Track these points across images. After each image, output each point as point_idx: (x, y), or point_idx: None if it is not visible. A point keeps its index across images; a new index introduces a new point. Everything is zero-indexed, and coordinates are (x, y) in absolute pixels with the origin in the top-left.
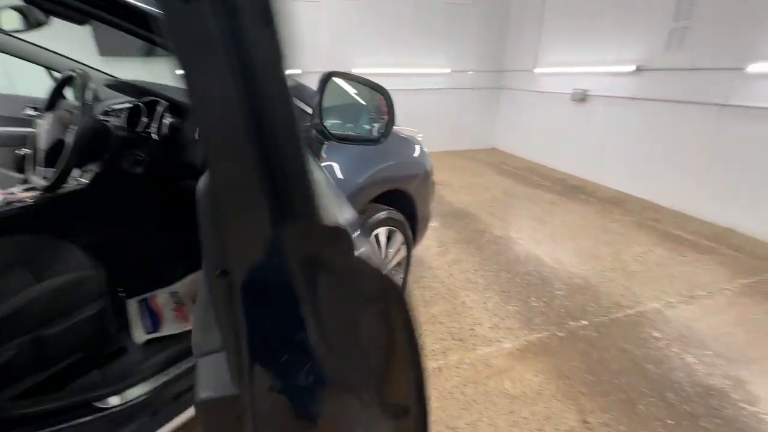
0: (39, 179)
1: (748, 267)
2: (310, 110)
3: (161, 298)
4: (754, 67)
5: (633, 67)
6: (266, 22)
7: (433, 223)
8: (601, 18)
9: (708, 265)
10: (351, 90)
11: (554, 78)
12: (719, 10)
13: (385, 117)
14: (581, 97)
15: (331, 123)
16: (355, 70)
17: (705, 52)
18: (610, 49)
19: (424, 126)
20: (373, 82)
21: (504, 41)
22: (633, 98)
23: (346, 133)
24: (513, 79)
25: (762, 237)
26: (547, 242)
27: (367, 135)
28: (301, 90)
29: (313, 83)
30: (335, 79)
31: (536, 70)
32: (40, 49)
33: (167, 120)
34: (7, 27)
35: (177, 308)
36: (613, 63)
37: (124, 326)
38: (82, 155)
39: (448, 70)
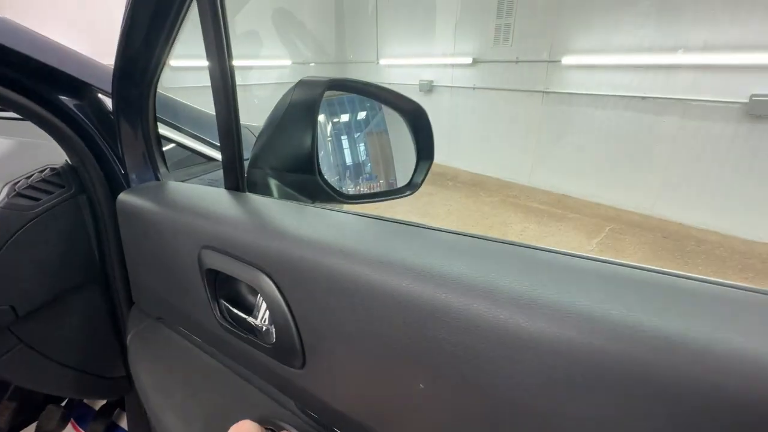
0: None
1: (592, 226)
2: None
3: None
4: (566, 60)
5: (470, 60)
6: None
7: None
8: (434, 11)
9: (568, 231)
10: (345, 109)
11: (401, 70)
12: (533, 8)
13: (417, 151)
14: (428, 88)
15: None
16: (173, 63)
17: (527, 46)
18: (448, 41)
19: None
20: (399, 95)
21: (343, 33)
22: (474, 88)
23: (356, 188)
24: (359, 71)
25: (589, 198)
26: None
27: (386, 186)
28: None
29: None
30: (330, 91)
31: (382, 62)
32: None
33: None
34: None
35: None
36: (452, 55)
37: None
38: None
39: (289, 62)
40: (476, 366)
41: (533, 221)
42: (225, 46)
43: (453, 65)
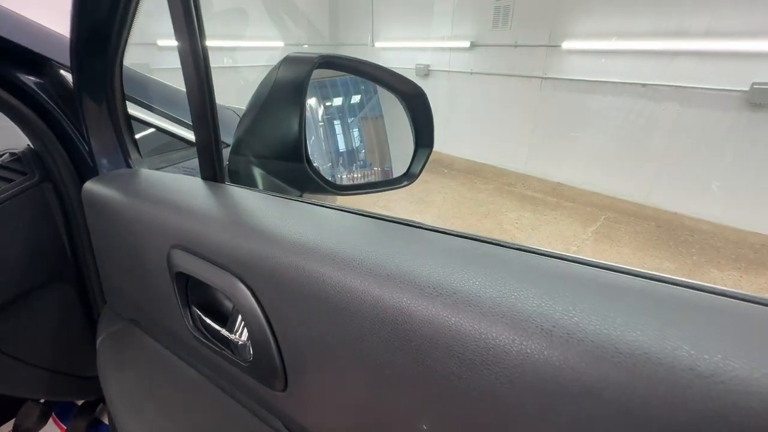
0: None
1: (587, 215)
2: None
3: None
4: (567, 44)
5: (467, 43)
6: None
7: None
8: None
9: (563, 219)
10: (337, 91)
11: (396, 53)
12: None
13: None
14: (425, 72)
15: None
16: (161, 42)
17: (526, 30)
18: (445, 24)
19: None
20: (398, 76)
21: (337, 14)
22: (471, 73)
23: (350, 176)
24: (353, 53)
25: (584, 187)
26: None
27: (381, 177)
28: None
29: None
30: (320, 69)
31: (377, 45)
32: None
33: None
34: None
35: None
36: (449, 38)
37: None
38: None
39: (281, 44)
40: (496, 412)
41: (528, 209)
42: (194, 12)
43: (450, 49)
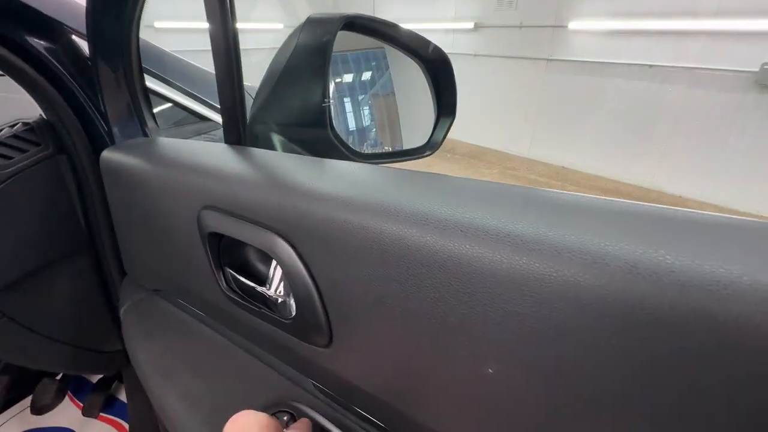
0: None
1: None
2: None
3: None
4: (573, 24)
5: (471, 25)
6: None
7: None
8: None
9: None
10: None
11: None
12: None
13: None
14: None
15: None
16: (158, 24)
17: (532, 10)
18: (449, 4)
19: None
20: (422, 39)
21: None
22: (474, 55)
23: (371, 144)
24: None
25: (588, 171)
26: None
27: (402, 147)
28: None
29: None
30: (342, 31)
31: None
32: None
33: None
34: None
35: None
36: (452, 19)
37: None
38: None
39: (281, 26)
40: (576, 349)
41: None
42: None
43: (454, 30)
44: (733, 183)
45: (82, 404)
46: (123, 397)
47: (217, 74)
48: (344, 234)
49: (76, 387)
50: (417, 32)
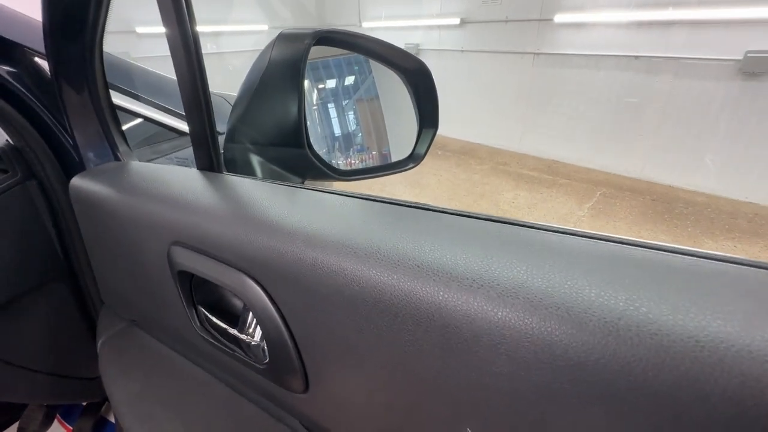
0: None
1: (583, 192)
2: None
3: None
4: (559, 18)
5: (457, 20)
6: None
7: None
8: None
9: (559, 197)
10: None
11: (385, 33)
12: None
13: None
14: (415, 52)
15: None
16: (140, 30)
17: (517, 4)
18: (433, 1)
19: None
20: (400, 51)
21: None
22: (462, 50)
23: (347, 161)
24: None
25: (579, 163)
26: None
27: (380, 161)
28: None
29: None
30: (317, 46)
31: (365, 25)
32: None
33: None
34: None
35: None
36: (439, 15)
37: None
38: None
39: (266, 27)
40: (556, 414)
41: (524, 188)
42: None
43: (440, 27)
44: (722, 171)
45: (71, 428)
46: (113, 418)
47: (184, 103)
48: (315, 276)
49: (64, 411)
50: (393, 44)
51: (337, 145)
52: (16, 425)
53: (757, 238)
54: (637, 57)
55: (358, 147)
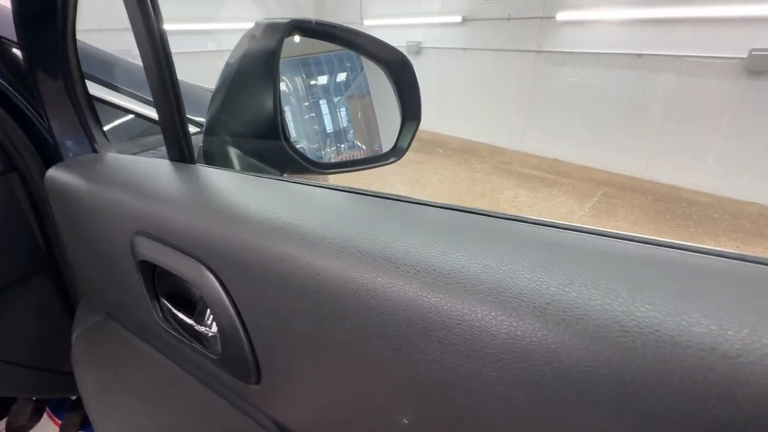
0: None
1: (584, 191)
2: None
3: None
4: (561, 15)
5: (459, 18)
6: None
7: None
8: None
9: (559, 196)
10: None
11: (387, 30)
12: None
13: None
14: (416, 50)
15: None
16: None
17: (520, 2)
18: None
19: None
20: (379, 43)
21: None
22: (463, 49)
23: (338, 157)
24: None
25: (581, 162)
26: None
27: (372, 154)
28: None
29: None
30: (296, 37)
31: (366, 22)
32: None
33: None
34: None
35: None
36: (441, 13)
37: None
38: None
39: None
40: (484, 402)
41: (525, 187)
42: None
43: (441, 25)
44: (726, 170)
45: (60, 422)
46: None
47: (152, 92)
48: (263, 262)
49: (54, 405)
50: (371, 35)
51: (329, 141)
52: (4, 421)
53: (761, 239)
54: (640, 55)
55: (350, 143)
